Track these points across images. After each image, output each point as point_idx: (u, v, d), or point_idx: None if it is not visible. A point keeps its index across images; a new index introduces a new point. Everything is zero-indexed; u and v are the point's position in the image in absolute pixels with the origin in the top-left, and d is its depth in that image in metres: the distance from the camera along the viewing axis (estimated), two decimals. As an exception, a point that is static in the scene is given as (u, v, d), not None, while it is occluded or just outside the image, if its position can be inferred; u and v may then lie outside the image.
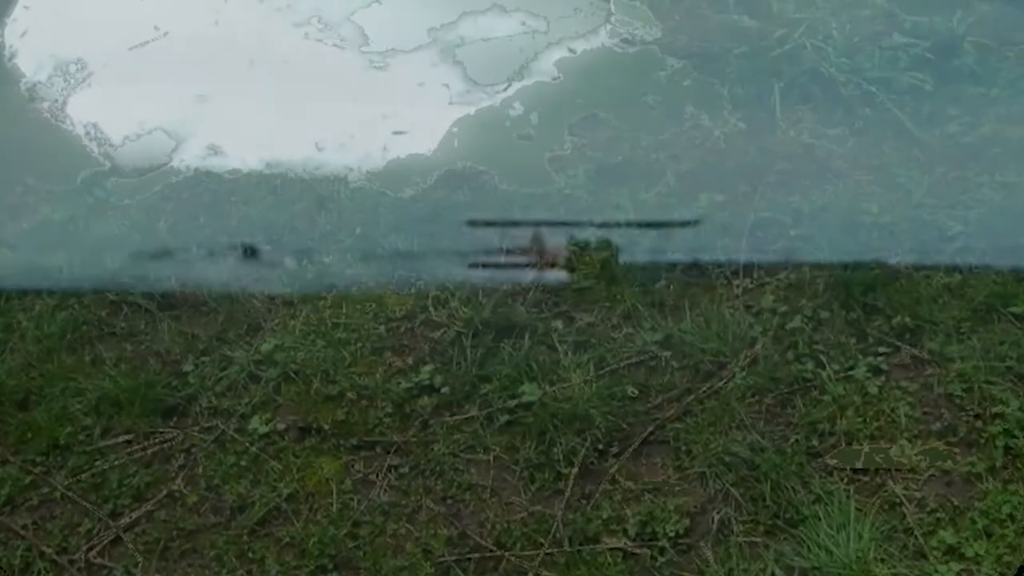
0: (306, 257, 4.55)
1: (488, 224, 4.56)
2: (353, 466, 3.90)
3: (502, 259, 4.45)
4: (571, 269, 4.35)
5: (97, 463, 3.94)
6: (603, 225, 4.54)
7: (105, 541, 3.76)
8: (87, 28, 5.49)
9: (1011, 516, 3.56)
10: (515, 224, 4.54)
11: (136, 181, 4.85)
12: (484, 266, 4.47)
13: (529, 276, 4.38)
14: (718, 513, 3.70)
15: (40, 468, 3.95)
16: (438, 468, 3.87)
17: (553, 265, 4.38)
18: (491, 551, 3.67)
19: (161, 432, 4.02)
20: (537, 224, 4.51)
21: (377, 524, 3.75)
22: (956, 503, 3.65)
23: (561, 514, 3.73)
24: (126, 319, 4.38)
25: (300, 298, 4.39)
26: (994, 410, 3.84)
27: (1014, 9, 5.29)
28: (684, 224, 4.55)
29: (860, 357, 4.03)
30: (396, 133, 4.99)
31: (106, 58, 5.35)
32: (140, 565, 3.70)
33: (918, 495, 3.68)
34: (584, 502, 3.76)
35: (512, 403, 3.99)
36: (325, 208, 4.70)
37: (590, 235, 4.49)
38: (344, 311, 4.33)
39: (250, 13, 5.53)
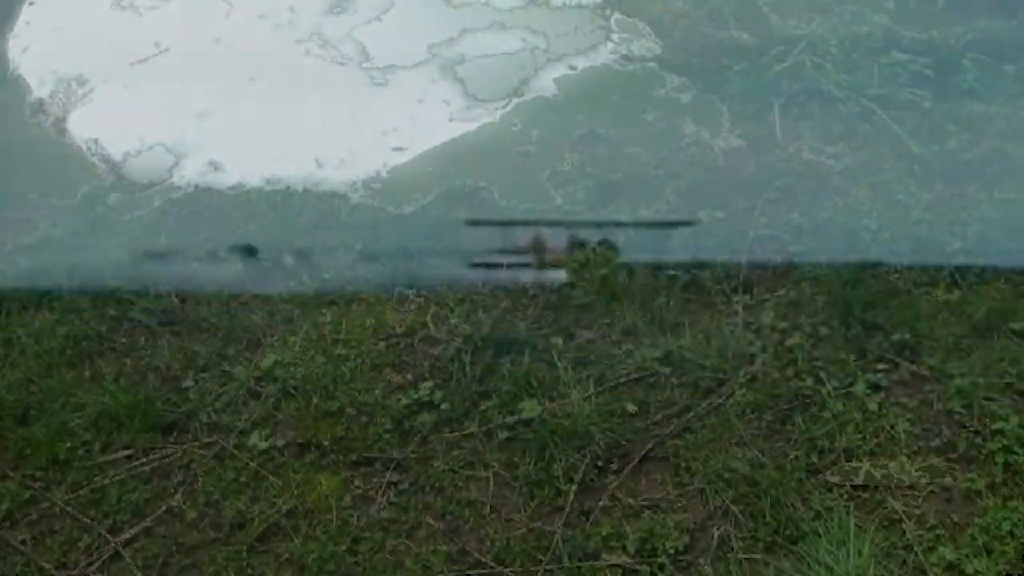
0: (306, 273, 4.56)
1: (487, 224, 4.59)
2: (352, 482, 3.90)
3: (504, 262, 4.46)
4: (572, 271, 4.37)
5: (96, 478, 3.94)
6: (603, 224, 4.56)
7: (104, 557, 3.75)
8: (88, 44, 5.51)
9: (1011, 533, 3.56)
10: (513, 223, 4.56)
11: (137, 197, 4.86)
12: (487, 266, 4.48)
13: (530, 278, 4.39)
14: (718, 529, 3.69)
15: (39, 483, 3.94)
16: (437, 484, 3.87)
17: (555, 264, 4.40)
18: (491, 567, 3.66)
19: (161, 448, 4.02)
20: (537, 224, 4.54)
21: (376, 540, 3.74)
22: (956, 519, 3.65)
23: (561, 530, 3.72)
24: (126, 334, 4.38)
25: (300, 314, 4.40)
26: (994, 426, 3.84)
27: (1013, 26, 5.31)
28: (683, 232, 4.56)
29: (859, 373, 4.03)
30: (396, 149, 5.00)
31: (107, 74, 5.36)
32: (139, 581, 3.70)
33: (918, 511, 3.68)
34: (584, 518, 3.75)
35: (512, 419, 3.99)
36: (326, 224, 4.72)
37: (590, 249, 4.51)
38: (344, 327, 4.33)
39: (251, 29, 5.55)
